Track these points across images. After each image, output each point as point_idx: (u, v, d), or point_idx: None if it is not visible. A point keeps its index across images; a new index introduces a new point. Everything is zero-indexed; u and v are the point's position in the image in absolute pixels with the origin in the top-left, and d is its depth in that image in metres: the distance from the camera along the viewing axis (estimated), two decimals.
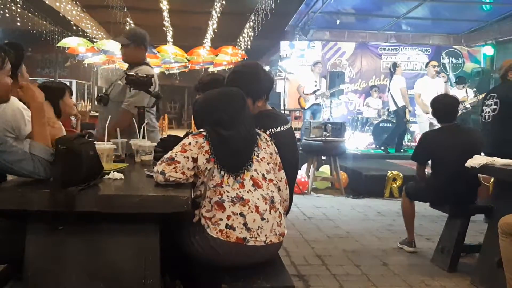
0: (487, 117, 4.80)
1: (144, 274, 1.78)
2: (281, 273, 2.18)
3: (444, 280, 3.51)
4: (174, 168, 1.97)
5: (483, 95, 9.05)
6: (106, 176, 2.00)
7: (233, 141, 2.07)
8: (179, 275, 2.31)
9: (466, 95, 9.06)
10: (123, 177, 2.03)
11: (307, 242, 4.37)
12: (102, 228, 1.78)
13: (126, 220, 1.77)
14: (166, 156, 2.03)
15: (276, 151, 2.25)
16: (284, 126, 2.49)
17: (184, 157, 2.00)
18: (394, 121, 9.16)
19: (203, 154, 2.02)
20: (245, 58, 14.01)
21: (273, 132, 2.39)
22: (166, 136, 3.59)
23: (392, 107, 8.93)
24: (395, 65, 8.95)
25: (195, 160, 2.01)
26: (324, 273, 3.58)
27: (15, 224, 1.86)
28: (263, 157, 2.14)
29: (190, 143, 2.03)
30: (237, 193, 2.00)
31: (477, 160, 3.28)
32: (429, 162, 4.07)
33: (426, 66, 8.72)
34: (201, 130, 2.10)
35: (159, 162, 2.02)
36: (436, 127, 4.29)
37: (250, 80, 2.45)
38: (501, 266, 2.71)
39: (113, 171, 2.06)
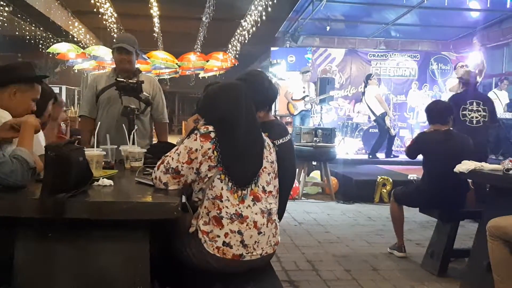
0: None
1: (134, 281, 1.77)
2: (272, 279, 2.19)
3: (433, 284, 3.53)
4: (177, 181, 1.98)
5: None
6: (96, 183, 1.99)
7: (242, 146, 2.02)
8: (169, 281, 2.31)
9: None
10: (112, 184, 2.02)
11: (298, 248, 4.37)
12: (91, 235, 1.77)
13: (116, 227, 1.76)
14: (171, 164, 1.97)
15: (276, 158, 2.20)
16: (286, 137, 2.48)
17: (190, 168, 1.97)
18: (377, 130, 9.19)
19: (207, 161, 1.97)
20: (236, 64, 14.03)
21: (277, 143, 2.37)
22: (156, 142, 3.59)
23: (372, 117, 9.01)
24: (368, 77, 9.06)
25: (198, 169, 1.98)
26: (315, 278, 3.59)
27: (4, 231, 1.85)
28: (265, 167, 2.09)
29: (196, 150, 1.96)
30: (236, 210, 1.96)
31: (466, 165, 3.31)
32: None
33: (455, 68, 8.65)
34: (210, 130, 2.01)
35: (163, 169, 1.98)
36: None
37: (253, 90, 2.31)
38: (490, 270, 2.74)
39: (103, 178, 2.05)
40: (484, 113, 5.05)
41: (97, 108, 3.54)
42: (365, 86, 9.01)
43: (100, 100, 3.51)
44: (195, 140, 1.98)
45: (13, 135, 2.07)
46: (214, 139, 1.98)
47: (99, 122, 2.82)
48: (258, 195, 2.03)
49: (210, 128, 2.02)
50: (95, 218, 1.71)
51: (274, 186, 2.15)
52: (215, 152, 1.97)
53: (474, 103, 5.08)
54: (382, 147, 8.96)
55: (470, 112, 5.03)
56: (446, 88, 8.82)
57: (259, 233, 2.00)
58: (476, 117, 5.04)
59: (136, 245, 1.79)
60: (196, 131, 2.01)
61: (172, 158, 1.99)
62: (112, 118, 3.35)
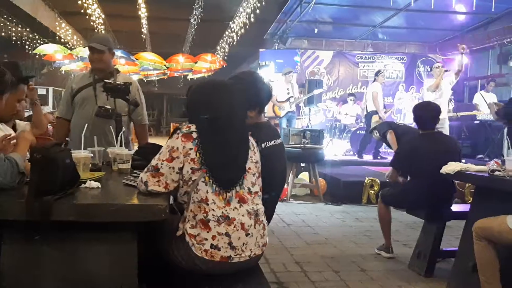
0: None
1: (121, 283, 1.76)
2: (260, 280, 2.18)
3: (420, 285, 3.56)
4: (157, 181, 1.93)
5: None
6: (83, 185, 1.97)
7: (227, 149, 2.00)
8: (157, 282, 2.30)
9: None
10: (100, 186, 2.01)
11: (286, 249, 4.38)
12: (79, 237, 1.76)
13: (103, 229, 1.75)
14: (152, 163, 1.97)
15: (259, 158, 2.18)
16: (277, 140, 2.48)
17: (170, 167, 1.93)
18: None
19: (189, 163, 1.93)
20: (224, 66, 14.03)
21: (267, 145, 2.36)
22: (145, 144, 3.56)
23: (364, 112, 9.15)
24: (376, 73, 9.13)
25: (181, 169, 1.95)
26: (303, 279, 3.60)
27: None
28: (249, 168, 2.07)
29: (177, 148, 1.94)
30: (222, 212, 1.94)
31: (452, 167, 3.34)
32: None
33: (431, 69, 8.70)
34: (192, 129, 1.99)
35: (146, 169, 1.97)
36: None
37: (244, 89, 2.30)
38: (475, 270, 2.77)
39: (90, 180, 2.03)
40: None
41: (73, 109, 3.51)
42: (374, 81, 9.12)
43: (75, 100, 3.47)
44: (177, 139, 1.96)
45: (9, 149, 2.05)
46: (196, 140, 1.95)
47: (86, 124, 2.79)
48: (244, 196, 2.02)
49: (193, 127, 1.99)
50: (82, 220, 1.70)
51: (259, 186, 2.14)
52: (197, 154, 1.94)
53: None
54: (369, 147, 9.03)
55: None
56: (424, 88, 8.94)
57: (247, 234, 1.99)
58: None
59: (124, 247, 1.79)
60: (178, 131, 2.00)
61: (154, 158, 1.99)
62: (86, 118, 3.29)
